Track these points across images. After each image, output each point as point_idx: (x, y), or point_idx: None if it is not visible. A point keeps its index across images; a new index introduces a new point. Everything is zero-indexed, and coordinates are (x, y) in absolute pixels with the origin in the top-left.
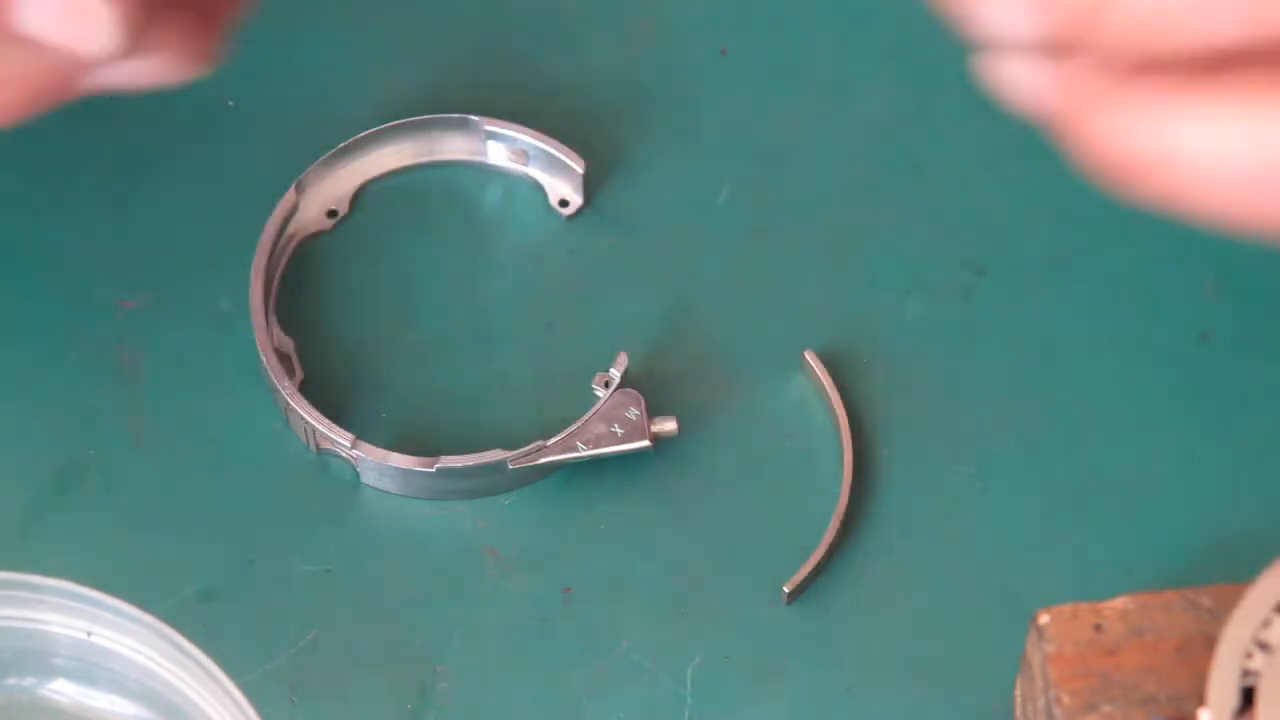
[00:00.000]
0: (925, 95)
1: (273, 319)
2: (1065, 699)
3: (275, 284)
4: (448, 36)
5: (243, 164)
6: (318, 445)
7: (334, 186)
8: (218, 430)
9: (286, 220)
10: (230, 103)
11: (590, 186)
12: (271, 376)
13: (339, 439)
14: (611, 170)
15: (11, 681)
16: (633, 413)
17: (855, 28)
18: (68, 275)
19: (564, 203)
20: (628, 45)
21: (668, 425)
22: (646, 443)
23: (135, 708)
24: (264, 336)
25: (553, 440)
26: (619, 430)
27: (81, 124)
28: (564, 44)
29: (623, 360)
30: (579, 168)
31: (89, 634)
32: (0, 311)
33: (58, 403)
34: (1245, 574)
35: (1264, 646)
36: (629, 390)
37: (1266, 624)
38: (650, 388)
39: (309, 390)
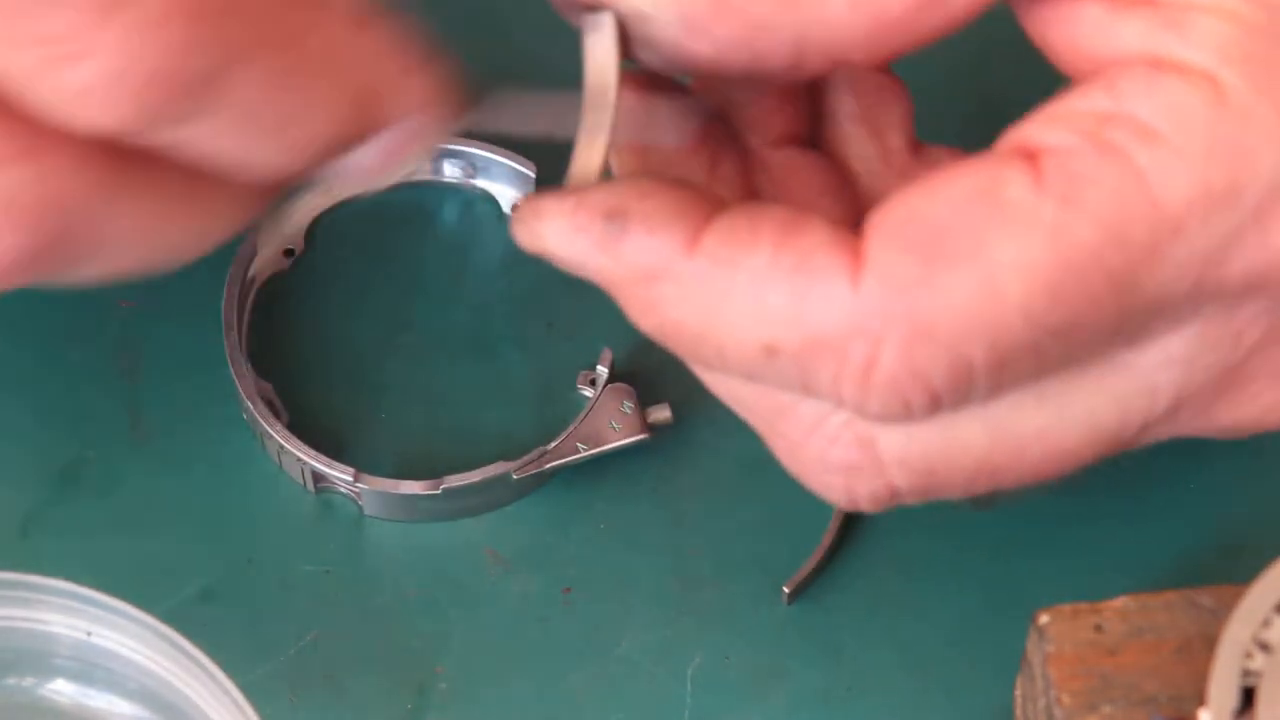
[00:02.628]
0: (922, 102)
1: (248, 367)
2: (1065, 699)
3: (245, 332)
4: None
5: None
6: (315, 488)
7: (287, 225)
8: (218, 430)
9: (246, 268)
10: None
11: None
12: (261, 423)
13: (339, 474)
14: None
15: (11, 681)
16: (627, 406)
17: None
18: None
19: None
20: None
21: (663, 414)
22: (644, 435)
23: (134, 708)
24: (247, 384)
25: (552, 445)
26: (616, 426)
27: None
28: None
29: (607, 356)
30: (530, 171)
31: (89, 634)
32: (1, 311)
33: (58, 403)
34: (1245, 574)
35: (1264, 647)
36: (620, 385)
37: (1267, 624)
38: (643, 381)
39: (298, 432)
